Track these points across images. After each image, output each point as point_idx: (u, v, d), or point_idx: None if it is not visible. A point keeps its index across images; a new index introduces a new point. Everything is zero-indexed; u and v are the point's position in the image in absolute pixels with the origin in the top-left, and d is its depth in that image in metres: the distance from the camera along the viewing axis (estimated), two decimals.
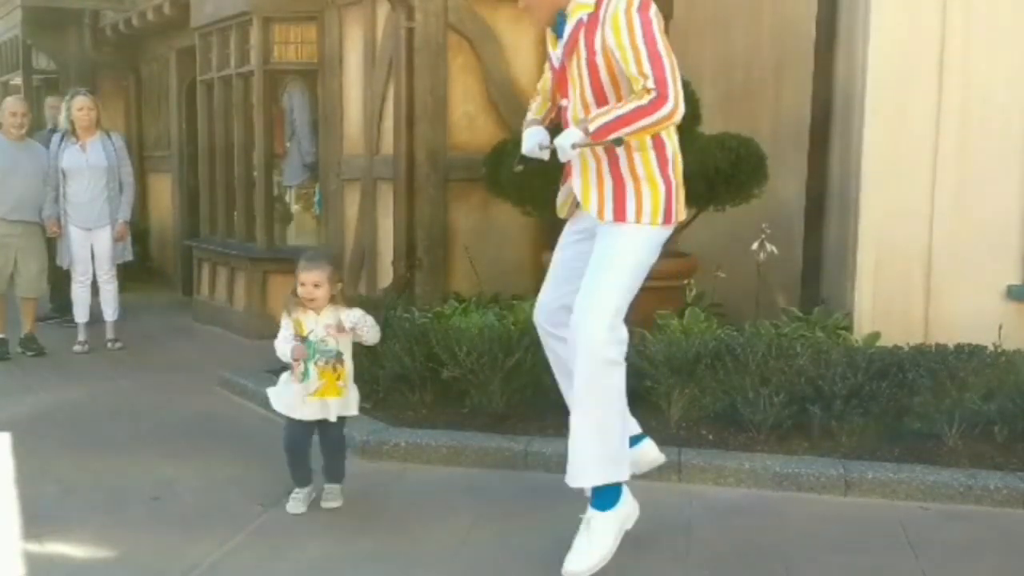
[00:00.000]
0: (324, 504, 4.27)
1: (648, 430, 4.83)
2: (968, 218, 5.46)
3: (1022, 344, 5.08)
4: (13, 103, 7.57)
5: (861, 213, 5.56)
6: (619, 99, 3.40)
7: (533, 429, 5.01)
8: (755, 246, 5.73)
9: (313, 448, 4.30)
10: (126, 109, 11.58)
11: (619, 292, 3.46)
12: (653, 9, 3.36)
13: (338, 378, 4.10)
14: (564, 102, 3.57)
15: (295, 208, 8.80)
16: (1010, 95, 5.39)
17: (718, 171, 5.51)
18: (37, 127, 8.65)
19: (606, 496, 3.52)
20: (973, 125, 5.41)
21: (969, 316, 5.36)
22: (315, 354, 4.07)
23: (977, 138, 5.40)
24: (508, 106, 6.79)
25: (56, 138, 7.60)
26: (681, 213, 3.58)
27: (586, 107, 3.47)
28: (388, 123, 6.99)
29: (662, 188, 3.48)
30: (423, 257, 6.72)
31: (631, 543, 3.82)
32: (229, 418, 5.72)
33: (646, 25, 3.31)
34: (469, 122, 6.83)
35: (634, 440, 3.87)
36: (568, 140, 3.38)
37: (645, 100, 3.25)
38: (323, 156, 7.95)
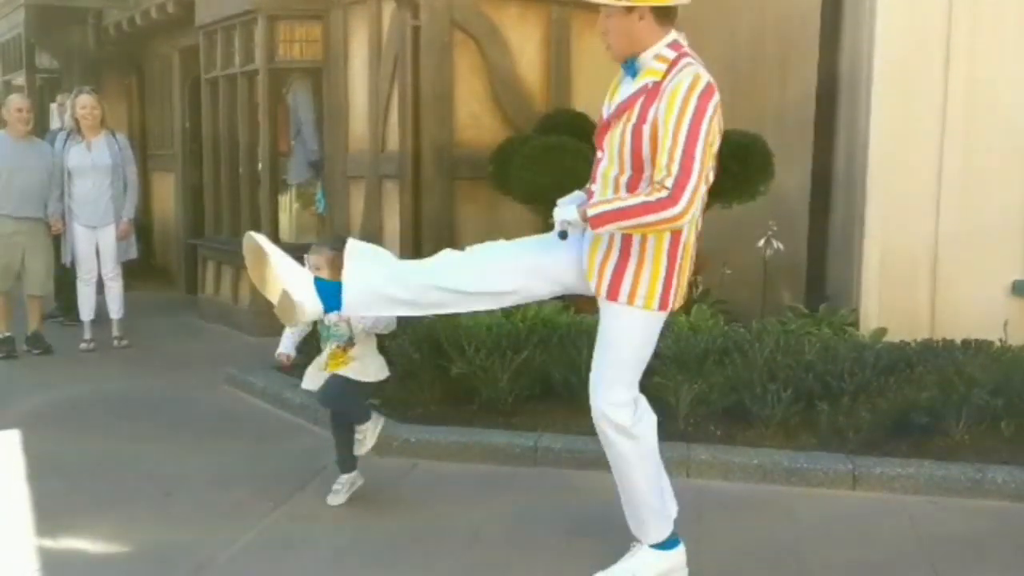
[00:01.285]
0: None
1: (656, 426, 4.87)
2: (973, 215, 5.48)
3: None
4: (17, 100, 7.58)
5: (867, 211, 5.58)
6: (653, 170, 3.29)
7: (542, 425, 5.02)
8: (761, 243, 5.75)
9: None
10: (129, 108, 11.59)
11: (619, 369, 3.42)
12: (715, 100, 3.17)
13: (345, 353, 4.23)
14: (599, 154, 3.44)
15: (299, 206, 8.81)
16: (1016, 88, 5.40)
17: (725, 168, 5.49)
18: (43, 128, 8.66)
19: (662, 543, 3.56)
20: (979, 120, 5.43)
21: (975, 312, 5.39)
22: (328, 337, 4.22)
23: (983, 136, 5.42)
24: (513, 104, 6.82)
25: (61, 137, 7.62)
26: (679, 300, 3.44)
27: (621, 166, 3.33)
28: (393, 121, 7.00)
29: (663, 272, 3.33)
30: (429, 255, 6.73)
31: None
32: (237, 415, 5.74)
33: (698, 116, 3.12)
34: (474, 120, 6.85)
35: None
36: (562, 215, 3.30)
37: (653, 197, 3.12)
38: (328, 154, 7.97)
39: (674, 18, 3.30)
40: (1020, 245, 5.50)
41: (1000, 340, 5.09)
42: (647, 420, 3.50)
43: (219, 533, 3.94)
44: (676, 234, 3.33)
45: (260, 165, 8.20)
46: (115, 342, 7.61)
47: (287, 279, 3.45)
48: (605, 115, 3.44)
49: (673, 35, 3.29)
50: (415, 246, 6.75)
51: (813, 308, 5.77)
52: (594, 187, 3.45)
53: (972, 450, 4.64)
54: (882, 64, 5.48)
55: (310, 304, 3.46)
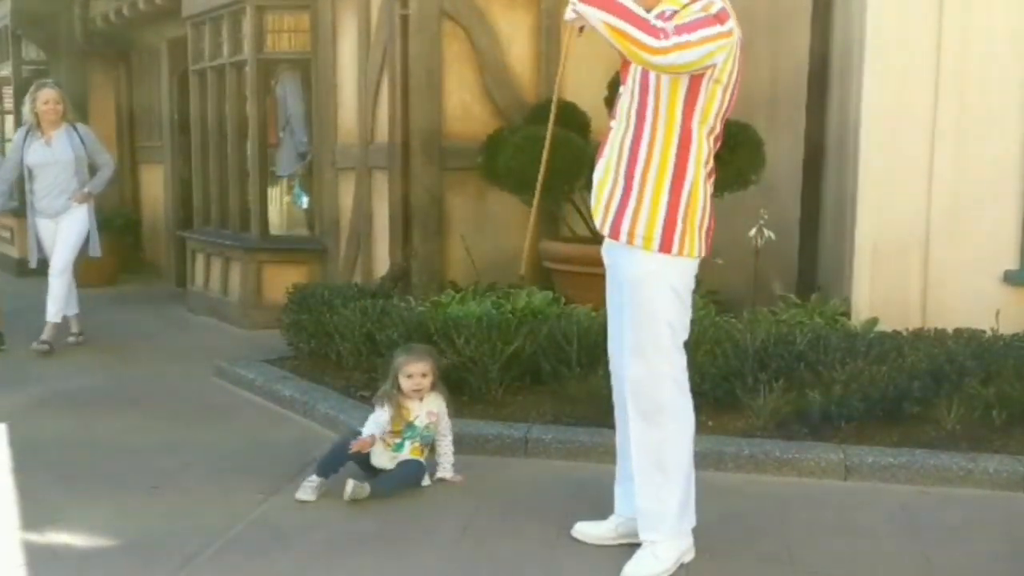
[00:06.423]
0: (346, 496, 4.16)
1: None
2: (965, 204, 5.46)
3: (1019, 328, 5.10)
4: None
5: (858, 200, 5.56)
6: (657, 96, 3.30)
7: (532, 416, 5.00)
8: (753, 232, 5.73)
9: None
10: (117, 99, 11.51)
11: (647, 332, 3.44)
12: (730, 24, 3.23)
13: (421, 453, 4.37)
14: (621, 89, 3.46)
15: (289, 199, 8.77)
16: (1009, 70, 5.37)
17: (716, 157, 5.49)
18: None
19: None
20: (972, 107, 5.41)
21: (967, 301, 5.38)
22: (416, 436, 4.32)
23: (975, 123, 5.40)
24: (503, 94, 6.78)
25: (20, 132, 7.35)
26: (692, 250, 3.37)
27: (632, 93, 3.37)
28: (383, 111, 6.96)
29: (663, 210, 3.31)
30: (419, 246, 6.70)
31: None
32: (226, 407, 5.71)
33: (707, 18, 3.18)
34: (464, 110, 6.81)
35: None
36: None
37: (651, 23, 3.10)
38: (317, 145, 7.92)
39: None
40: (1012, 234, 5.49)
41: (992, 329, 5.08)
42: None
43: (208, 525, 3.91)
44: (679, 170, 3.32)
45: (249, 157, 8.13)
46: (70, 339, 7.32)
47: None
48: None
49: None
50: (404, 237, 6.72)
51: (804, 297, 5.76)
52: (613, 123, 3.45)
53: (964, 439, 4.63)
54: (873, 50, 5.45)
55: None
